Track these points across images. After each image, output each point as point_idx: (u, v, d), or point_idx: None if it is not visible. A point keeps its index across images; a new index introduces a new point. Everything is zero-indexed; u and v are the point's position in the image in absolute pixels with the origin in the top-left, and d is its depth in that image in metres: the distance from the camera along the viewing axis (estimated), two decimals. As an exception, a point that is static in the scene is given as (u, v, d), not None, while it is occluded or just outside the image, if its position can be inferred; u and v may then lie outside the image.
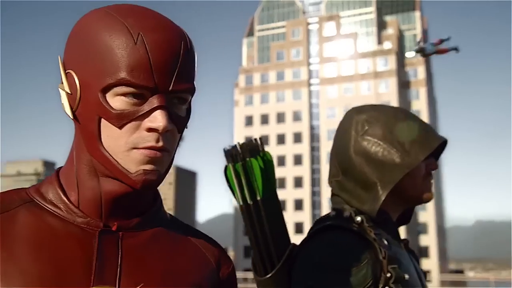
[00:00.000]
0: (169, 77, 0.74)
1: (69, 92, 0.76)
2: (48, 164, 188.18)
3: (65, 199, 0.79)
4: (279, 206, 1.37)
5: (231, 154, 1.30)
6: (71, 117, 0.78)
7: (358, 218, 1.25)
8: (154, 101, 0.73)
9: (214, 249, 0.91)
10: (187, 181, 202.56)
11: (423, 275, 1.41)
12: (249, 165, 1.29)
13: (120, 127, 0.74)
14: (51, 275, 0.72)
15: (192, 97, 0.81)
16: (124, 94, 0.73)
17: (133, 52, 0.72)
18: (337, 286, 1.13)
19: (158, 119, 0.73)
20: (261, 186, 1.30)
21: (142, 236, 0.82)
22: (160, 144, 0.74)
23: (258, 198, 1.30)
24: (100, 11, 0.77)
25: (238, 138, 72.57)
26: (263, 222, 1.31)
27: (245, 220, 1.32)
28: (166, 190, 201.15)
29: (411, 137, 1.30)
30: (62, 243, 0.75)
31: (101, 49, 0.73)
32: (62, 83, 0.78)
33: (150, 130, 0.74)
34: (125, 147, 0.74)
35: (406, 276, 1.20)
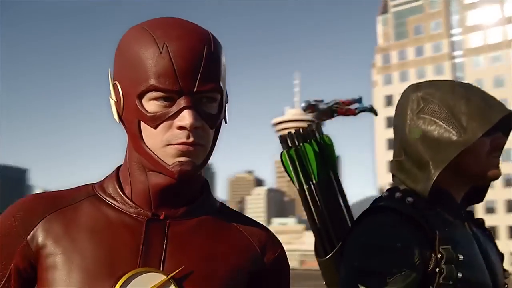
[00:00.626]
0: (193, 80, 0.84)
1: (115, 100, 0.90)
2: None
3: (120, 192, 0.93)
4: (338, 189, 1.40)
5: (286, 140, 1.36)
6: (118, 121, 0.92)
7: (409, 199, 1.23)
8: (181, 102, 0.84)
9: (260, 235, 0.99)
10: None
11: (499, 258, 1.34)
12: (303, 150, 1.35)
13: (155, 127, 0.86)
14: (104, 257, 0.86)
15: (222, 95, 0.90)
16: (155, 99, 0.85)
17: (159, 61, 0.83)
18: (381, 266, 1.13)
19: (185, 118, 0.83)
20: (316, 170, 1.34)
21: (188, 224, 0.93)
22: (191, 139, 0.85)
23: (314, 181, 1.34)
24: (137, 27, 0.90)
25: (379, 119, 70.72)
26: (320, 205, 1.35)
27: (303, 204, 1.37)
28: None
29: (469, 112, 1.24)
30: (116, 230, 0.89)
31: (135, 61, 0.86)
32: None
33: (180, 128, 0.85)
34: (161, 144, 0.86)
35: (460, 257, 1.16)
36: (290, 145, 1.35)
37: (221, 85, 0.88)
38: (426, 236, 1.17)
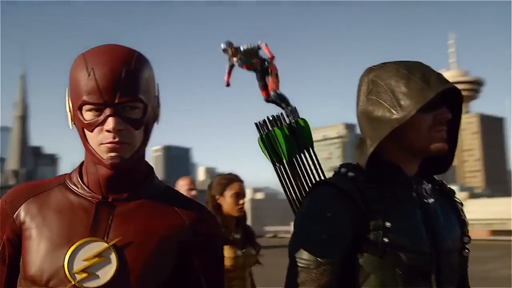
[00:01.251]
0: (114, 95, 1.10)
1: (69, 111, 1.20)
2: (349, 127, 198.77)
3: (80, 181, 1.21)
4: (314, 165, 1.56)
5: (261, 126, 1.56)
6: (71, 127, 1.21)
7: (350, 174, 1.36)
8: (106, 112, 1.11)
9: (192, 214, 1.23)
10: (492, 128, 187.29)
11: (459, 225, 1.41)
12: (272, 134, 1.53)
13: (92, 131, 1.13)
14: (64, 230, 1.15)
15: (144, 103, 1.14)
16: (89, 110, 1.12)
17: (88, 82, 1.11)
18: (314, 234, 1.29)
19: (110, 123, 1.10)
20: (285, 151, 1.52)
21: (131, 205, 1.19)
22: (117, 139, 1.11)
23: (285, 161, 1.53)
24: (79, 55, 1.16)
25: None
26: (290, 181, 1.53)
27: (279, 180, 1.56)
28: (471, 140, 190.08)
29: (407, 92, 1.32)
30: (75, 210, 1.17)
31: (74, 82, 1.14)
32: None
33: (107, 131, 1.11)
34: (97, 143, 1.13)
35: (388, 224, 1.27)
36: (262, 131, 1.55)
37: (141, 96, 1.13)
38: (358, 207, 1.30)
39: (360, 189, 1.32)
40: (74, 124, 1.19)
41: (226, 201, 3.02)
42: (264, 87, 4.13)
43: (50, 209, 1.18)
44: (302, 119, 1.60)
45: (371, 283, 1.29)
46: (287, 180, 1.54)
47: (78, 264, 1.10)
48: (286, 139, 1.54)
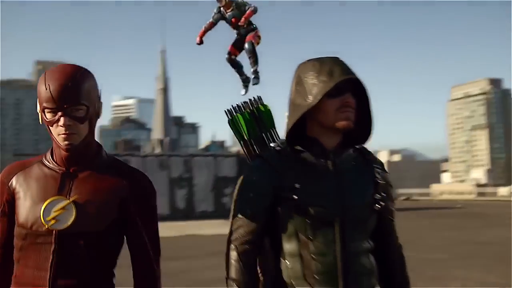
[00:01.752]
0: (63, 101, 1.62)
1: (39, 112, 1.70)
2: (494, 82, 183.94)
3: (51, 158, 1.75)
4: (268, 143, 1.96)
5: (229, 112, 2.00)
6: (41, 123, 1.72)
7: (277, 148, 1.78)
8: (59, 113, 1.63)
9: (128, 176, 1.75)
10: None
11: (373, 185, 1.73)
12: (236, 119, 1.96)
13: (52, 126, 1.66)
14: (41, 192, 1.68)
15: (86, 105, 1.65)
16: (48, 112, 1.64)
17: (46, 94, 1.62)
18: (244, 194, 1.75)
19: (61, 121, 1.63)
20: (246, 131, 1.94)
21: (85, 173, 1.72)
22: (67, 132, 1.63)
23: (246, 138, 1.95)
24: (42, 74, 1.67)
25: None
26: (252, 155, 1.96)
27: (244, 153, 1.99)
28: None
29: (316, 83, 1.70)
30: (48, 179, 1.71)
31: (38, 93, 1.65)
32: None
33: (60, 126, 1.64)
34: (56, 134, 1.66)
35: (297, 185, 1.66)
36: (229, 116, 1.99)
37: (82, 101, 1.64)
38: (276, 172, 1.73)
39: (281, 159, 1.73)
40: (42, 121, 1.71)
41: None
42: (237, 46, 4.49)
43: (31, 179, 1.75)
44: (265, 105, 2.00)
45: (288, 228, 1.72)
46: (247, 153, 1.97)
47: (50, 214, 1.67)
48: (247, 122, 1.96)
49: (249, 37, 4.86)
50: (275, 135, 2.01)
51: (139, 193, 1.75)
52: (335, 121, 1.71)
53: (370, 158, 1.83)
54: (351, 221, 1.71)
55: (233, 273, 1.73)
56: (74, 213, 1.66)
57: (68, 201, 1.67)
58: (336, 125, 1.71)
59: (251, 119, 1.98)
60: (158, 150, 76.39)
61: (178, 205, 23.66)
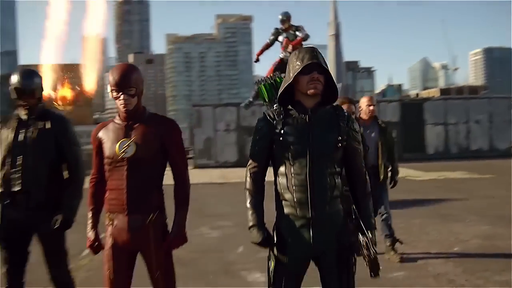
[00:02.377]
0: (122, 86, 2.75)
1: (109, 92, 2.86)
2: None
3: (119, 117, 2.86)
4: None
5: (256, 83, 2.94)
6: (111, 97, 2.86)
7: (275, 106, 2.68)
8: (120, 93, 2.76)
9: (163, 122, 2.87)
10: None
11: (336, 130, 2.57)
12: (260, 88, 2.90)
13: (116, 100, 2.79)
14: (115, 138, 2.81)
15: (137, 90, 2.79)
16: (114, 91, 2.77)
17: (113, 81, 2.75)
18: (254, 136, 2.71)
19: (121, 97, 2.76)
20: (267, 97, 2.87)
21: (138, 124, 2.81)
22: (125, 103, 2.76)
23: (266, 102, 2.88)
24: (111, 68, 2.87)
25: None
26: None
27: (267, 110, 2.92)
28: None
29: (294, 65, 2.59)
30: (118, 130, 2.83)
31: (109, 80, 2.78)
32: None
33: (121, 100, 2.77)
34: (119, 105, 2.79)
35: (282, 131, 2.59)
36: (257, 85, 2.93)
37: (133, 85, 2.74)
38: (271, 123, 2.64)
39: (277, 115, 2.64)
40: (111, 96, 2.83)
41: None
42: (278, 70, 5.82)
43: (109, 130, 2.86)
44: (279, 77, 2.89)
45: (280, 158, 2.64)
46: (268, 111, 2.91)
47: (121, 149, 2.74)
48: (267, 90, 2.90)
49: (296, 41, 6.22)
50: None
51: (169, 131, 2.86)
52: (307, 90, 2.60)
53: (339, 113, 2.65)
54: (317, 153, 2.57)
55: (247, 185, 2.73)
56: (134, 147, 2.76)
57: (130, 140, 2.78)
58: (308, 92, 2.59)
59: (270, 87, 2.90)
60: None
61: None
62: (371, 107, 5.90)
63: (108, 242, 2.80)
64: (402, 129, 24.64)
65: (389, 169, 6.02)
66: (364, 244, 2.58)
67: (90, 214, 2.94)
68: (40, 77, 3.62)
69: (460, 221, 8.03)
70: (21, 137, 3.45)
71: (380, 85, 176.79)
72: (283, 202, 2.65)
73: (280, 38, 10.26)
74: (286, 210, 2.64)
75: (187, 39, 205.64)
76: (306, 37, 10.07)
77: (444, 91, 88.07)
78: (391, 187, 6.09)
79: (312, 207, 2.57)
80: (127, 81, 2.74)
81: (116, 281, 2.76)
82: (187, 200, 2.88)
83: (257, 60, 10.70)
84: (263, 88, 2.95)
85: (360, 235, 2.60)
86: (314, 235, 2.59)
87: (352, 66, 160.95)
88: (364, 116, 5.93)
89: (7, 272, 3.51)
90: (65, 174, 3.57)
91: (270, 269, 2.68)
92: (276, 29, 10.54)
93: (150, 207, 2.75)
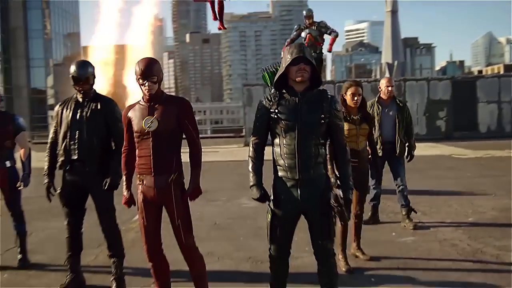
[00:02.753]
0: (146, 75, 3.45)
1: (136, 81, 3.59)
2: None
3: (143, 99, 3.58)
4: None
5: (263, 69, 3.62)
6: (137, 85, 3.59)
7: (273, 91, 3.36)
8: (145, 81, 3.47)
9: (179, 101, 3.64)
10: None
11: (320, 110, 3.22)
12: (264, 75, 3.57)
13: (141, 86, 3.50)
14: (141, 115, 3.52)
15: (157, 79, 3.50)
16: (140, 80, 3.48)
17: (138, 71, 3.46)
18: (256, 114, 3.38)
19: (145, 84, 3.47)
20: (269, 81, 3.54)
21: (159, 105, 3.52)
22: (148, 88, 3.48)
23: (269, 86, 3.55)
24: (137, 61, 3.58)
25: None
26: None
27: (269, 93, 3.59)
28: None
29: (285, 59, 3.24)
30: (143, 110, 3.54)
31: (135, 70, 3.49)
32: None
33: (145, 86, 3.48)
34: (144, 90, 3.50)
35: (276, 110, 3.26)
36: (263, 71, 3.61)
37: (154, 74, 3.45)
38: (269, 103, 3.30)
39: (273, 97, 3.32)
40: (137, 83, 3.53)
41: (347, 97, 4.93)
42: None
43: (136, 111, 3.55)
44: (277, 67, 3.54)
45: (275, 132, 3.30)
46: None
47: (146, 125, 3.43)
48: (270, 76, 3.57)
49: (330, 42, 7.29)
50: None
51: (182, 108, 3.57)
52: (296, 77, 3.26)
53: (323, 96, 3.31)
54: (304, 128, 3.23)
55: (250, 153, 3.42)
56: (157, 122, 3.46)
57: (153, 117, 3.49)
58: (296, 79, 3.25)
59: (272, 74, 3.56)
60: (386, 74, 76.50)
61: (391, 128, 24.76)
62: (390, 88, 6.43)
63: (139, 198, 3.56)
64: (454, 108, 24.50)
65: (407, 144, 6.53)
66: (335, 198, 3.23)
67: (124, 178, 3.70)
68: (93, 67, 4.44)
69: (486, 195, 8.42)
70: (78, 116, 4.28)
71: (440, 62, 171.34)
72: (278, 167, 3.33)
73: (303, 34, 10.84)
74: (280, 173, 3.33)
75: (242, 18, 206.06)
76: (337, 35, 10.92)
77: (508, 67, 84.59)
78: (408, 161, 6.61)
79: (300, 171, 3.25)
80: (150, 71, 3.44)
81: (148, 228, 3.55)
82: (199, 162, 3.61)
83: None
84: (266, 75, 3.59)
85: (333, 191, 3.26)
86: (301, 193, 3.27)
87: (411, 43, 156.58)
88: (383, 96, 6.48)
89: (68, 224, 4.40)
90: (113, 145, 4.39)
91: (268, 221, 3.39)
92: (299, 25, 11.19)
93: (171, 169, 3.48)
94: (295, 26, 11.29)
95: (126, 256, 4.57)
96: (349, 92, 4.91)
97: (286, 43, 11.21)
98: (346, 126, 4.78)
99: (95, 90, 4.44)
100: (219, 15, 9.50)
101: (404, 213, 6.44)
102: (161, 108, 3.51)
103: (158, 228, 3.61)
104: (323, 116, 3.27)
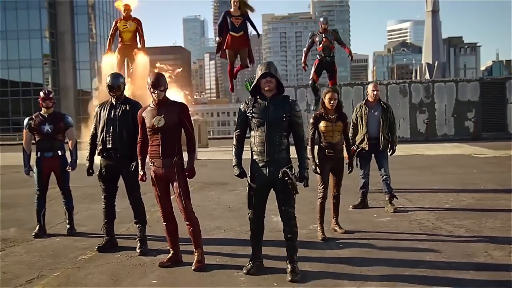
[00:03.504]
0: (156, 85, 4.87)
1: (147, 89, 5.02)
2: None
3: (152, 104, 4.98)
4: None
5: (246, 80, 4.90)
6: (149, 92, 5.01)
7: (250, 97, 4.61)
8: (155, 89, 4.88)
9: (180, 104, 5.06)
10: None
11: (285, 109, 4.47)
12: (246, 84, 4.85)
13: (151, 93, 4.91)
14: (152, 115, 4.90)
15: (164, 88, 4.92)
16: (150, 89, 4.90)
17: (150, 82, 4.89)
18: (238, 116, 4.68)
19: (155, 92, 4.89)
20: (249, 89, 4.79)
21: (165, 106, 4.90)
22: (158, 96, 4.89)
23: (249, 91, 4.81)
24: (148, 75, 5.10)
25: None
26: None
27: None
28: None
29: (258, 74, 4.55)
30: (153, 111, 4.92)
31: (147, 81, 4.95)
32: None
33: (155, 94, 4.90)
34: (154, 96, 4.92)
35: (251, 111, 4.54)
36: (248, 81, 4.90)
37: (161, 85, 4.86)
38: (247, 106, 4.58)
39: (250, 101, 4.59)
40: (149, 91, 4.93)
41: (326, 101, 6.13)
42: (318, 72, 8.52)
43: (148, 111, 4.94)
44: (254, 79, 4.79)
45: (251, 127, 4.58)
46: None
47: (156, 122, 4.77)
48: (250, 85, 4.82)
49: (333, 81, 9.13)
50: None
51: (182, 110, 4.88)
52: (264, 87, 4.50)
53: (286, 100, 4.54)
54: (271, 123, 4.46)
55: (233, 142, 4.68)
56: (164, 120, 4.74)
57: (161, 116, 4.76)
58: (265, 89, 4.49)
59: (251, 84, 4.80)
60: (426, 75, 76.07)
61: (419, 128, 25.47)
62: (375, 92, 7.60)
63: (152, 175, 4.92)
64: (482, 109, 25.02)
65: (390, 140, 7.67)
66: (289, 173, 4.45)
67: (139, 161, 5.08)
68: (123, 78, 5.82)
69: (475, 188, 9.41)
70: (112, 115, 5.65)
71: (486, 62, 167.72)
72: (253, 152, 4.60)
73: (317, 38, 12.02)
74: (254, 157, 4.59)
75: (283, 19, 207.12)
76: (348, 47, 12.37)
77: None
78: (390, 154, 7.75)
79: (267, 154, 4.50)
80: (158, 82, 4.82)
81: (161, 197, 4.90)
82: (194, 149, 5.00)
83: (305, 66, 12.51)
84: (248, 84, 4.87)
85: (289, 171, 4.48)
86: (269, 171, 4.51)
87: (455, 42, 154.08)
88: (370, 98, 7.65)
89: (105, 198, 5.79)
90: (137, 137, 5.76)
91: (246, 191, 4.66)
92: (312, 32, 12.43)
93: (174, 154, 4.82)
94: (309, 34, 12.49)
95: (151, 228, 5.92)
96: (327, 97, 6.09)
97: (303, 53, 12.42)
98: (323, 123, 6.01)
99: (125, 95, 5.81)
100: (234, 76, 11.14)
101: (387, 199, 7.57)
102: (166, 110, 4.83)
103: (168, 196, 4.95)
104: (284, 115, 4.50)
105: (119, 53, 12.19)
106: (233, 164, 4.68)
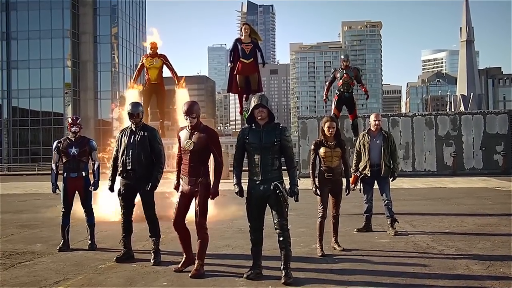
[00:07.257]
0: (189, 113, 5.92)
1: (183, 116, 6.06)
2: None
3: (187, 128, 6.05)
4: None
5: (244, 110, 5.89)
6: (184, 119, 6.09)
7: (247, 126, 5.62)
8: (187, 116, 5.94)
9: (209, 130, 6.04)
10: None
11: (276, 133, 5.46)
12: (244, 114, 5.83)
13: (185, 119, 5.99)
14: (185, 138, 6.01)
15: (196, 115, 5.96)
16: (185, 115, 5.95)
17: (184, 110, 5.96)
18: (237, 142, 5.73)
19: (188, 119, 5.96)
20: (246, 119, 5.78)
21: (197, 132, 5.95)
22: (191, 122, 5.95)
23: (245, 119, 5.80)
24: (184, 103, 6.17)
25: None
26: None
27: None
28: None
29: (252, 105, 5.62)
30: (187, 133, 5.98)
31: (182, 109, 6.04)
32: None
33: (188, 120, 5.97)
34: (188, 122, 5.98)
35: (247, 137, 5.59)
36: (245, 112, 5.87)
37: (194, 113, 5.89)
38: (244, 133, 5.64)
39: (247, 129, 5.63)
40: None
41: (325, 129, 7.08)
42: (339, 108, 10.18)
43: (183, 133, 6.01)
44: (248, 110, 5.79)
45: (248, 152, 5.64)
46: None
47: (186, 145, 5.85)
48: (248, 115, 5.82)
49: (353, 115, 10.57)
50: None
51: (211, 136, 5.92)
52: (257, 117, 5.55)
53: (277, 127, 5.54)
54: (264, 149, 5.49)
55: (234, 164, 5.73)
56: (193, 144, 5.81)
57: (191, 141, 5.84)
58: (258, 118, 5.51)
59: (247, 113, 5.80)
60: (461, 107, 76.25)
61: (446, 162, 26.03)
62: (377, 122, 8.54)
63: (180, 189, 5.98)
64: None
65: (391, 167, 8.55)
66: (280, 186, 5.39)
67: (176, 174, 6.09)
68: (142, 106, 6.91)
69: (482, 216, 10.15)
70: (132, 140, 6.71)
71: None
72: (250, 172, 5.58)
73: (338, 74, 13.12)
74: (250, 176, 5.57)
75: (311, 48, 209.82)
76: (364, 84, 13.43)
77: None
78: (392, 180, 8.62)
79: (261, 174, 5.47)
80: (191, 110, 5.80)
81: (179, 208, 5.92)
82: (220, 173, 5.95)
83: (326, 99, 13.68)
84: (246, 114, 5.93)
85: (280, 185, 5.42)
86: (263, 188, 5.47)
87: (493, 73, 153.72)
88: (372, 128, 8.59)
89: (123, 214, 6.82)
90: (154, 160, 6.79)
91: (246, 206, 5.62)
92: (335, 68, 13.65)
93: (199, 174, 5.85)
94: (332, 69, 13.73)
95: (165, 246, 6.88)
96: (326, 126, 7.05)
97: (325, 87, 13.62)
98: (323, 149, 6.97)
99: (143, 122, 6.88)
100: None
101: (388, 222, 8.40)
102: (197, 135, 5.84)
103: (185, 210, 5.98)
104: (275, 140, 5.50)
105: (146, 93, 12.47)
106: (234, 183, 5.65)
